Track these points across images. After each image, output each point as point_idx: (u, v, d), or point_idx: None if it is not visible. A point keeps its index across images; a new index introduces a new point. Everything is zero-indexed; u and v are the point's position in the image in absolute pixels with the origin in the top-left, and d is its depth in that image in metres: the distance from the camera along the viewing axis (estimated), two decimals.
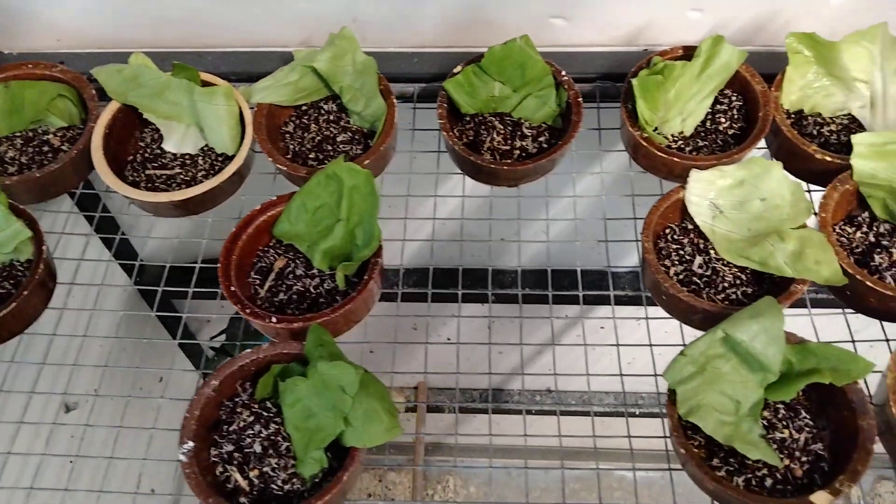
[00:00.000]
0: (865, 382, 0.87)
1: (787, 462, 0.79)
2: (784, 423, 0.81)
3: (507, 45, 1.00)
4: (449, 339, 1.81)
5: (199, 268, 1.02)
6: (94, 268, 1.27)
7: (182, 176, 1.01)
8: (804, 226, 0.90)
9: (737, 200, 0.92)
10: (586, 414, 1.76)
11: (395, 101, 1.02)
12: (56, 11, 1.16)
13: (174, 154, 1.03)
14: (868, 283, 0.84)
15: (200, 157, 1.02)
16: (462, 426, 2.32)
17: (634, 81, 0.97)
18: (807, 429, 0.81)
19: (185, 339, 1.66)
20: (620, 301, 1.04)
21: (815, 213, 0.91)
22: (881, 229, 0.92)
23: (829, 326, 0.93)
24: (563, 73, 1.03)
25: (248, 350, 0.85)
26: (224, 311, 1.19)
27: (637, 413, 1.47)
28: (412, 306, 1.08)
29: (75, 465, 1.02)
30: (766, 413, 0.82)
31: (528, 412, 2.06)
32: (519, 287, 0.98)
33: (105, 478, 0.90)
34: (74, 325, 1.06)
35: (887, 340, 0.91)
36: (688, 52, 1.03)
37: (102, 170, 0.98)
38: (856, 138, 0.91)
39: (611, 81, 1.11)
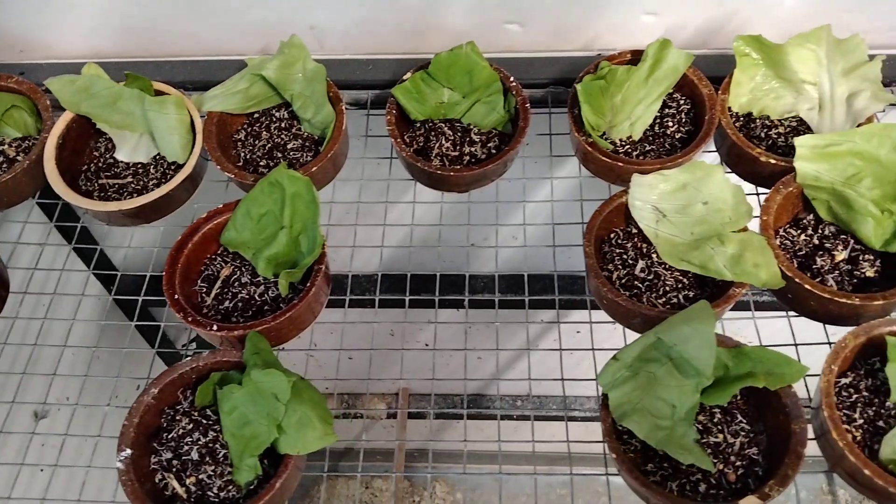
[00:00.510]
0: (806, 387, 0.87)
1: (720, 467, 0.79)
2: (719, 427, 0.81)
3: (453, 52, 1.01)
4: (427, 345, 1.82)
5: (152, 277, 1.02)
6: (68, 276, 1.28)
7: (133, 185, 1.02)
8: (745, 229, 0.90)
9: (680, 204, 0.92)
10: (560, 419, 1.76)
11: (343, 108, 1.02)
12: (17, 23, 1.17)
13: (126, 163, 1.04)
14: (807, 286, 0.84)
15: (152, 166, 1.03)
16: (447, 432, 2.32)
17: (578, 87, 0.97)
18: (742, 433, 0.81)
19: (163, 348, 1.68)
20: (565, 305, 1.04)
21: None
22: (826, 231, 0.92)
23: (772, 330, 0.93)
24: (512, 78, 1.03)
25: (189, 358, 0.85)
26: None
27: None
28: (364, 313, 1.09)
29: (46, 473, 1.02)
30: (701, 417, 0.82)
31: (511, 417, 2.07)
32: (466, 293, 0.98)
33: (84, 485, 0.91)
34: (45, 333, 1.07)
35: (829, 343, 0.90)
36: (636, 56, 1.03)
37: (54, 180, 0.99)
38: (798, 141, 0.91)
39: (564, 87, 1.12)
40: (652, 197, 0.93)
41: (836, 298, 0.83)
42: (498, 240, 1.03)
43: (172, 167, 1.03)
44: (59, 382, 1.02)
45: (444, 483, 2.51)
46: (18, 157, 1.04)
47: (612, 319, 0.92)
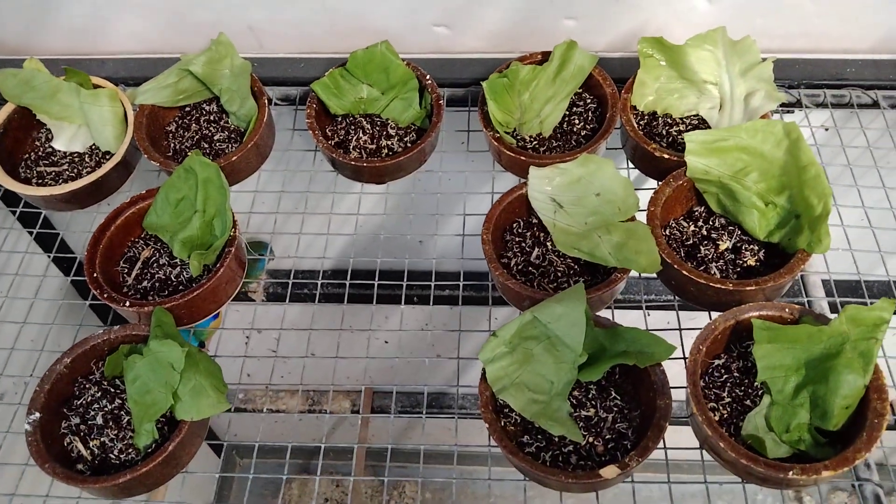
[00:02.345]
0: (686, 367, 0.91)
1: (591, 439, 0.83)
2: (593, 402, 0.85)
3: (368, 50, 1.07)
4: (387, 342, 1.87)
5: None
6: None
7: (69, 172, 1.07)
8: (633, 219, 0.94)
9: (575, 196, 0.97)
10: None
11: (266, 101, 1.08)
12: None
13: (64, 152, 1.10)
14: (684, 272, 0.89)
15: (87, 155, 1.09)
16: (412, 431, 2.35)
17: (485, 84, 1.02)
18: (616, 409, 0.85)
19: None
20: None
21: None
22: (716, 223, 0.97)
23: (660, 321, 0.97)
24: (428, 76, 1.09)
25: (101, 331, 0.90)
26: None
27: None
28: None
29: None
30: (577, 393, 0.86)
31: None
32: (375, 290, 1.03)
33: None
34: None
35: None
36: (546, 57, 1.08)
37: None
38: (688, 136, 0.96)
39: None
40: (548, 188, 0.98)
41: (711, 284, 0.88)
42: (412, 228, 1.08)
43: (107, 157, 1.09)
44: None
45: (413, 483, 2.55)
46: None
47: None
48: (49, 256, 1.43)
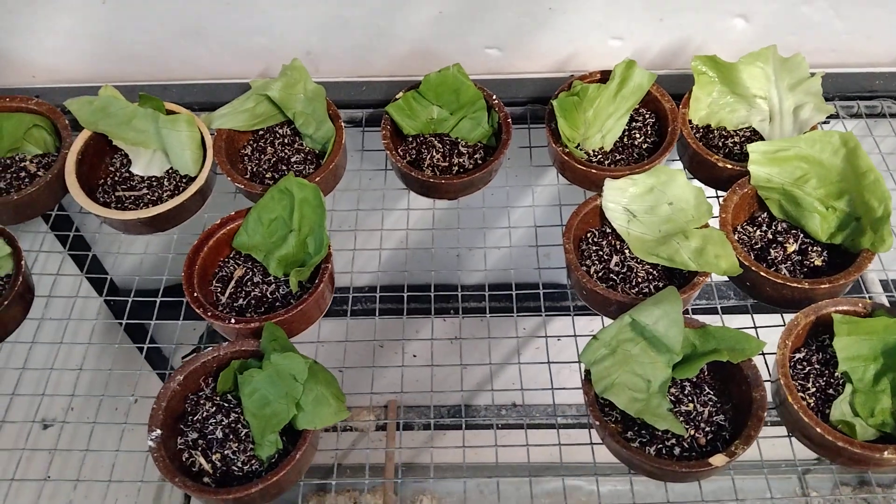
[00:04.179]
0: (766, 365, 0.97)
1: (692, 432, 0.89)
2: (690, 398, 0.91)
3: (441, 73, 1.12)
4: (415, 356, 1.90)
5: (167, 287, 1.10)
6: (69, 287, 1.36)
7: (149, 196, 1.10)
8: (707, 225, 1.01)
9: (648, 205, 1.03)
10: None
11: (342, 124, 1.12)
12: (31, 51, 1.26)
13: (142, 177, 1.12)
14: (762, 273, 0.95)
15: (166, 179, 1.12)
16: (434, 443, 2.39)
17: (554, 103, 1.08)
18: (710, 403, 0.91)
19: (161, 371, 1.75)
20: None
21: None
22: (778, 227, 1.04)
23: (736, 324, 1.03)
24: (495, 97, 1.14)
25: (210, 348, 0.94)
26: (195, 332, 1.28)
27: None
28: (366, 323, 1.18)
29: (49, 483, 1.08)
30: (673, 390, 0.92)
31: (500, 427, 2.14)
32: (459, 302, 1.08)
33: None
34: (52, 341, 1.14)
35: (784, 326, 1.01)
36: (605, 76, 1.15)
37: (75, 192, 1.07)
38: (751, 147, 1.03)
39: (540, 104, 1.23)
40: (623, 199, 1.04)
41: (788, 283, 0.94)
42: (486, 242, 1.13)
43: (184, 180, 1.11)
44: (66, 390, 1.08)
45: (432, 495, 2.58)
46: (39, 173, 1.12)
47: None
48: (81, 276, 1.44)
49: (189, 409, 0.92)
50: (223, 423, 0.90)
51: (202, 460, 0.88)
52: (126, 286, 1.52)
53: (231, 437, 0.89)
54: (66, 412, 1.32)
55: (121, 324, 1.12)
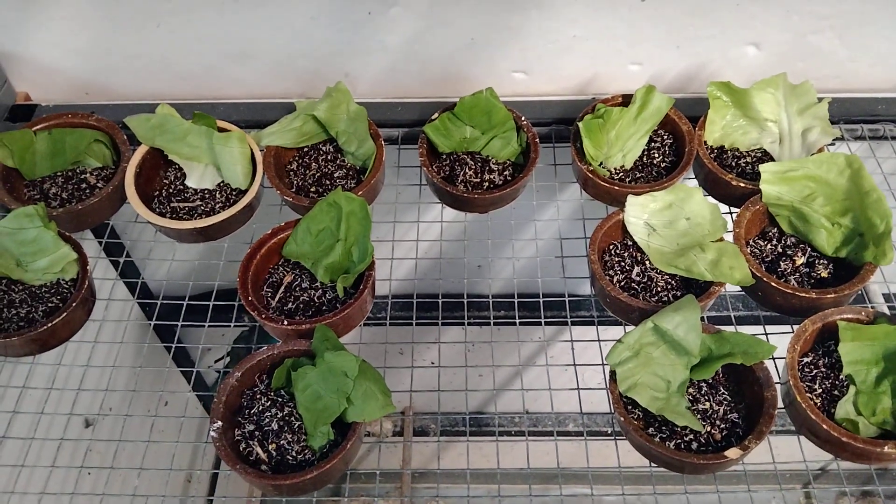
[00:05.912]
0: (775, 366, 1.05)
1: (708, 428, 0.97)
2: (706, 397, 0.99)
3: (475, 96, 1.20)
4: (433, 363, 1.98)
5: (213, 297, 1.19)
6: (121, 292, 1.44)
7: (202, 207, 1.18)
8: (721, 239, 1.09)
9: (667, 220, 1.11)
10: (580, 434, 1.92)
11: (383, 142, 1.21)
12: (84, 70, 1.35)
13: (195, 189, 1.21)
14: (773, 283, 1.03)
15: (217, 192, 1.20)
16: (446, 451, 2.46)
17: (580, 124, 1.17)
18: (725, 402, 0.99)
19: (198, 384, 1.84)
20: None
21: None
22: (788, 242, 1.12)
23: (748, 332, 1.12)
24: (523, 118, 1.23)
25: (264, 347, 1.02)
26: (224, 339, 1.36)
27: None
28: (397, 331, 1.26)
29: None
30: (691, 390, 1.00)
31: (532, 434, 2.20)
32: (490, 309, 1.16)
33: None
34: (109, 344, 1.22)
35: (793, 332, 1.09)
36: (626, 99, 1.23)
37: (135, 202, 1.15)
38: (762, 167, 1.11)
39: (564, 125, 1.31)
40: (644, 214, 1.12)
41: (796, 293, 1.02)
42: (514, 252, 1.21)
43: (234, 193, 1.20)
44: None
45: (444, 502, 2.64)
46: (99, 185, 1.21)
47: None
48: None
49: (245, 404, 1.00)
50: (278, 416, 0.98)
51: (259, 450, 0.96)
52: (176, 293, 1.60)
53: (286, 428, 0.97)
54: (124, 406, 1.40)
55: (175, 326, 1.20)
